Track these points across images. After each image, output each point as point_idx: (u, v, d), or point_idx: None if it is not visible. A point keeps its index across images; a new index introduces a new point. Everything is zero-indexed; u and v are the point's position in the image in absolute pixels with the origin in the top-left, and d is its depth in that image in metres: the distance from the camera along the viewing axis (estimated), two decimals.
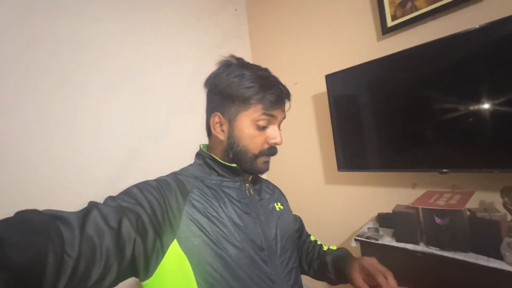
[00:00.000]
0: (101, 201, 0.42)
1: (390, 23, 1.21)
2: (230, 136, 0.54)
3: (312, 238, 0.75)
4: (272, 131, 0.55)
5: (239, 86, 0.51)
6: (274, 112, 0.53)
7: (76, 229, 0.33)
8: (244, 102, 0.52)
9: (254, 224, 0.54)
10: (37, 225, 0.31)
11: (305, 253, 0.71)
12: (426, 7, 1.11)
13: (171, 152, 1.38)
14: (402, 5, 1.17)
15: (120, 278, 0.39)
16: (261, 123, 0.53)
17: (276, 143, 0.55)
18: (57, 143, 1.05)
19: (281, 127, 0.58)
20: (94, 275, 0.34)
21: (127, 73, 1.27)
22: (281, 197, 0.70)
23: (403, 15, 1.17)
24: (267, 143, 0.55)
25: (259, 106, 0.52)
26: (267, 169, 0.58)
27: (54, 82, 1.06)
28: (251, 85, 0.51)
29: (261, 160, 0.55)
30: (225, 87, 0.53)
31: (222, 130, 0.55)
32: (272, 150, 0.56)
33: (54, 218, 0.33)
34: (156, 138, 1.35)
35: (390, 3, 1.20)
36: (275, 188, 0.71)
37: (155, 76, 1.38)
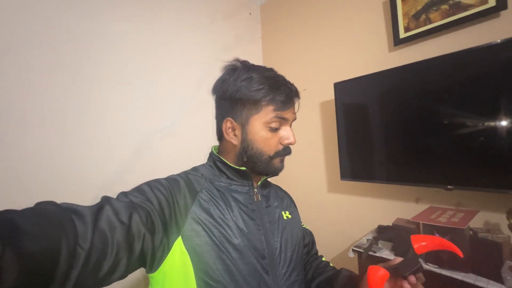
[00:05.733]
0: (111, 194, 0.44)
1: (402, 34, 1.20)
2: (244, 140, 0.54)
3: (324, 259, 0.71)
4: (285, 132, 0.55)
5: (248, 90, 0.51)
6: (285, 113, 0.53)
7: (89, 223, 0.35)
8: (255, 105, 0.52)
9: (258, 231, 0.53)
10: (53, 217, 0.32)
11: (314, 268, 0.67)
12: (440, 20, 1.10)
13: (177, 149, 1.41)
14: (416, 17, 1.16)
15: (129, 271, 0.40)
16: (274, 124, 0.53)
17: (290, 143, 0.55)
18: (64, 136, 1.08)
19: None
20: (105, 267, 0.35)
21: (137, 70, 1.30)
22: (291, 206, 0.67)
23: (416, 27, 1.16)
24: (281, 143, 0.55)
25: (270, 108, 0.52)
26: (283, 168, 0.57)
27: (64, 76, 1.09)
28: (260, 87, 0.51)
29: (276, 160, 0.55)
30: (234, 92, 0.53)
31: (235, 135, 0.55)
32: (286, 151, 0.56)
33: (69, 212, 0.35)
34: (163, 135, 1.38)
35: (404, 15, 1.19)
36: (286, 196, 0.69)
37: (165, 74, 1.41)
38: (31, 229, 0.29)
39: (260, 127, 0.52)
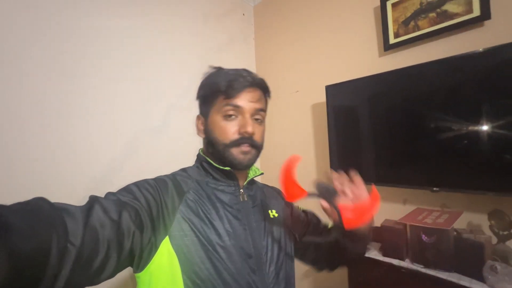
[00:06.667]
0: (98, 195, 0.44)
1: (392, 40, 1.23)
2: (206, 131, 0.58)
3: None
4: (241, 120, 0.54)
5: (208, 85, 0.57)
6: (237, 100, 0.53)
7: (80, 220, 0.35)
8: (212, 97, 0.56)
9: (244, 230, 0.54)
10: (43, 215, 0.32)
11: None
12: (428, 27, 1.13)
13: (168, 149, 1.39)
14: (405, 23, 1.20)
15: (118, 269, 0.41)
16: (228, 113, 0.54)
17: (246, 132, 0.53)
18: (53, 134, 1.05)
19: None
20: (95, 265, 0.36)
21: (127, 66, 1.28)
22: (279, 204, 0.66)
23: (405, 34, 1.20)
24: (238, 132, 0.54)
25: (222, 97, 0.54)
26: (248, 161, 0.55)
27: (49, 72, 1.05)
28: (217, 80, 0.55)
29: (236, 150, 0.54)
30: (200, 90, 0.59)
31: (203, 129, 0.59)
32: (243, 140, 0.54)
33: (59, 210, 0.35)
34: (154, 134, 1.36)
35: (394, 21, 1.23)
36: (273, 194, 0.69)
37: (157, 72, 1.39)
38: (21, 226, 0.29)
39: (217, 117, 0.55)
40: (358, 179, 0.51)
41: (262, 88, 0.58)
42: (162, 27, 1.42)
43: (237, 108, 0.54)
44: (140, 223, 0.43)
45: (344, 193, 0.50)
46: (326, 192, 0.49)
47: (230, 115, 0.54)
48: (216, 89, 0.55)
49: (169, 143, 1.40)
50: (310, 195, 0.49)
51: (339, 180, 0.56)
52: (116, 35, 1.24)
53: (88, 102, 1.15)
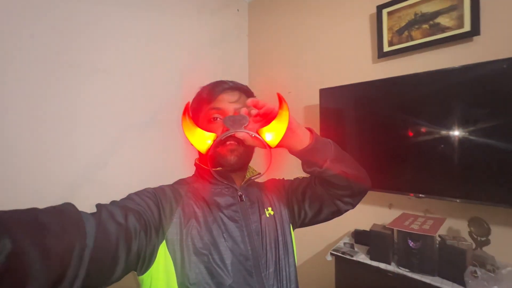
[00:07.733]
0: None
1: (386, 48, 1.26)
2: None
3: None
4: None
5: (195, 99, 0.61)
6: (217, 103, 0.56)
7: (93, 224, 0.38)
8: (199, 107, 0.59)
9: (241, 232, 0.53)
10: (71, 219, 0.36)
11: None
12: (421, 38, 1.17)
13: (155, 147, 1.33)
14: (399, 32, 1.23)
15: (125, 271, 0.42)
16: (213, 116, 0.56)
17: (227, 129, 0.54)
18: (36, 128, 0.97)
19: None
20: (106, 266, 0.38)
21: (118, 61, 1.21)
22: (273, 198, 0.65)
23: (399, 43, 1.23)
24: (222, 132, 0.53)
25: (205, 103, 0.58)
26: (236, 158, 0.55)
27: (30, 60, 0.97)
28: (201, 92, 0.60)
29: (222, 149, 0.54)
30: (191, 106, 0.61)
31: None
32: (228, 138, 0.53)
33: (81, 214, 0.38)
34: (141, 130, 1.29)
35: (389, 29, 1.25)
36: (269, 189, 0.67)
37: (148, 66, 1.32)
38: (55, 228, 0.32)
39: (204, 123, 0.58)
40: (259, 102, 0.49)
41: (242, 90, 0.59)
42: (154, 21, 1.35)
43: (219, 110, 0.56)
44: (145, 224, 0.45)
45: (252, 115, 0.48)
46: (235, 123, 0.48)
47: (215, 118, 0.56)
48: (201, 99, 0.59)
49: (158, 140, 1.35)
50: (222, 135, 0.47)
51: (239, 106, 0.57)
52: (105, 29, 1.17)
53: (74, 96, 1.07)
